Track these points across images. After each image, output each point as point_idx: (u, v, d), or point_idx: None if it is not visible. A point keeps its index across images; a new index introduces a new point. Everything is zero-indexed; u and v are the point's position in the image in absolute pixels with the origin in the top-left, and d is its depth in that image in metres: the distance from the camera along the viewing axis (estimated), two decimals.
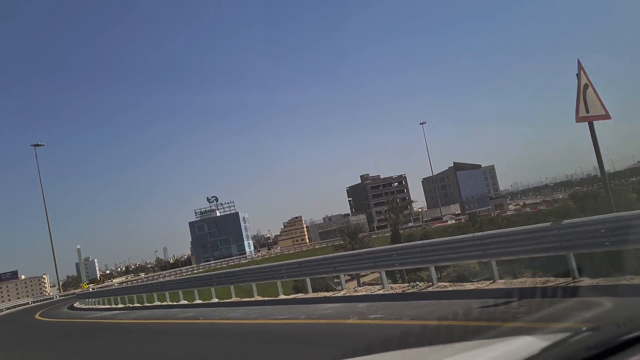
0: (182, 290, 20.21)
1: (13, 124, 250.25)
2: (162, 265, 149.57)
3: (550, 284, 7.94)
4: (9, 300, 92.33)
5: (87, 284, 65.65)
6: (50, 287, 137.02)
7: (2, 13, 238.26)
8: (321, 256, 13.22)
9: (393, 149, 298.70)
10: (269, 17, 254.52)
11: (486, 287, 8.83)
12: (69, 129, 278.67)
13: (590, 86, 8.39)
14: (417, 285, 10.45)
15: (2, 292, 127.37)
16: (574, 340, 1.71)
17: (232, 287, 17.08)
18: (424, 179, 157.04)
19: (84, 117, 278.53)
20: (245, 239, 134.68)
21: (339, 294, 12.13)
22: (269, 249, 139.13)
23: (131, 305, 24.31)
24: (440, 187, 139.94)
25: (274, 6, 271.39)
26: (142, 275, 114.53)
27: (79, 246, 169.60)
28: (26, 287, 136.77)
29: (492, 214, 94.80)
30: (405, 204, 57.79)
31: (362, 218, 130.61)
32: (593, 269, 10.87)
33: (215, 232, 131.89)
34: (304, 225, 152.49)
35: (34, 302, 60.68)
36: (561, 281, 7.92)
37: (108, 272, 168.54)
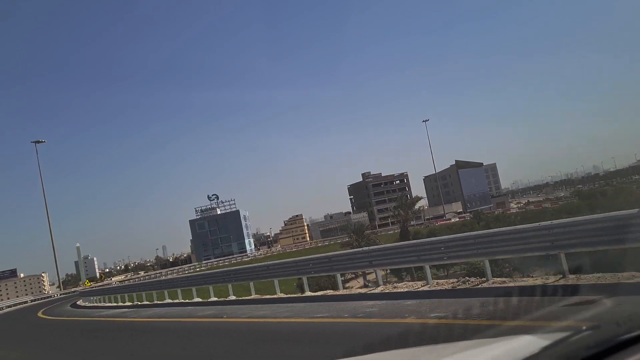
0: (195, 287, 19.27)
1: (13, 124, 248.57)
2: (162, 263, 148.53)
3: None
4: (8, 298, 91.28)
5: (89, 282, 64.50)
6: (50, 285, 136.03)
7: (2, 13, 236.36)
8: (354, 250, 12.28)
9: (394, 148, 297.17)
10: (269, 17, 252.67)
11: (555, 283, 7.91)
12: (69, 129, 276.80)
13: None
14: (469, 280, 9.53)
15: (1, 291, 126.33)
16: (574, 339, 1.70)
17: (251, 283, 16.16)
18: (425, 177, 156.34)
19: (84, 117, 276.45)
20: (246, 237, 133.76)
21: (375, 291, 11.22)
22: (269, 247, 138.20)
23: (139, 303, 23.35)
24: (442, 185, 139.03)
25: (274, 6, 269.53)
26: (142, 273, 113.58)
27: (78, 244, 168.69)
28: (25, 285, 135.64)
29: (496, 212, 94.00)
30: (415, 200, 56.79)
31: (363, 216, 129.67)
32: None
33: (216, 230, 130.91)
34: (305, 224, 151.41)
35: (32, 300, 59.36)
36: None
37: (107, 270, 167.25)
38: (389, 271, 50.72)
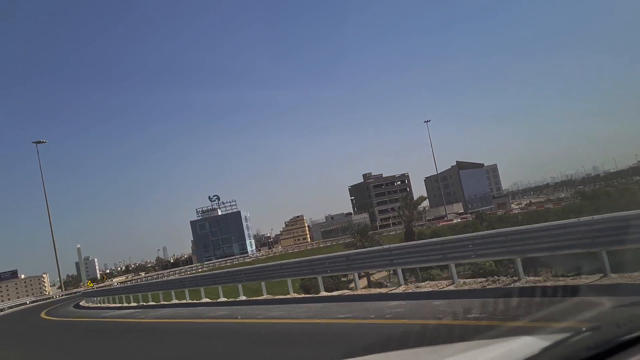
0: (203, 287, 18.85)
1: (13, 124, 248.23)
2: (163, 264, 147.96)
3: None
4: (9, 299, 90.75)
5: (92, 282, 64.02)
6: (50, 286, 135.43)
7: (2, 13, 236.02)
8: (374, 248, 11.86)
9: (394, 148, 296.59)
10: (269, 17, 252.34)
11: (598, 282, 7.49)
12: (69, 129, 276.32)
13: None
14: (499, 279, 9.11)
15: (1, 292, 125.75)
16: (574, 340, 1.69)
17: (263, 283, 15.75)
18: (426, 177, 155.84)
19: (84, 117, 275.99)
20: (247, 237, 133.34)
21: (397, 291, 10.80)
22: (270, 248, 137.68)
23: (145, 304, 22.93)
24: (443, 186, 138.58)
25: (274, 6, 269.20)
26: (143, 274, 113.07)
27: (79, 245, 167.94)
28: (26, 286, 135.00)
29: (499, 213, 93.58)
30: (419, 200, 56.36)
31: (364, 217, 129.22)
32: None
33: (217, 231, 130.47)
34: (306, 224, 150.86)
35: (31, 302, 58.62)
36: None
37: (108, 271, 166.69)
38: (391, 272, 50.42)
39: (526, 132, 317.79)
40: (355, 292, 12.09)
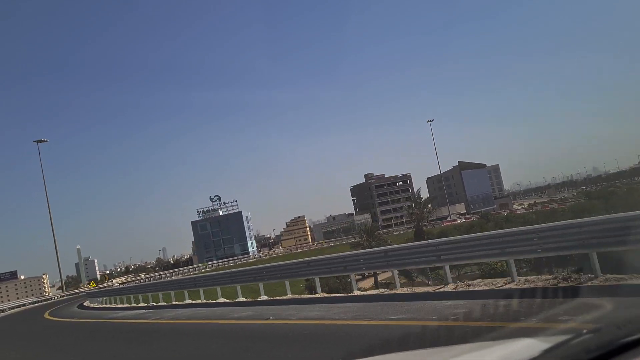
0: (220, 286, 17.91)
1: (13, 124, 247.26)
2: (163, 265, 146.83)
3: None
4: (9, 300, 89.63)
5: (95, 283, 62.94)
6: (50, 287, 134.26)
7: (2, 13, 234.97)
8: (418, 242, 10.95)
9: (394, 148, 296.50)
10: (269, 17, 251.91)
11: None
12: (69, 129, 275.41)
13: None
14: (570, 277, 8.19)
15: (1, 293, 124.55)
16: (575, 343, 1.68)
17: (287, 282, 14.83)
18: (428, 178, 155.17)
19: (84, 117, 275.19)
20: (248, 238, 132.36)
21: (445, 289, 9.87)
22: (270, 249, 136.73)
23: (155, 304, 21.98)
24: (445, 186, 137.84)
25: (274, 6, 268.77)
26: (143, 275, 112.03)
27: (79, 246, 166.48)
28: (26, 287, 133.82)
29: (504, 213, 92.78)
30: (429, 199, 55.49)
31: (366, 217, 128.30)
32: None
33: (218, 231, 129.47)
34: (307, 225, 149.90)
35: (31, 302, 57.33)
36: None
37: (108, 272, 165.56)
38: (398, 272, 49.38)
39: (526, 132, 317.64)
40: (395, 292, 11.16)
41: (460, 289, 9.57)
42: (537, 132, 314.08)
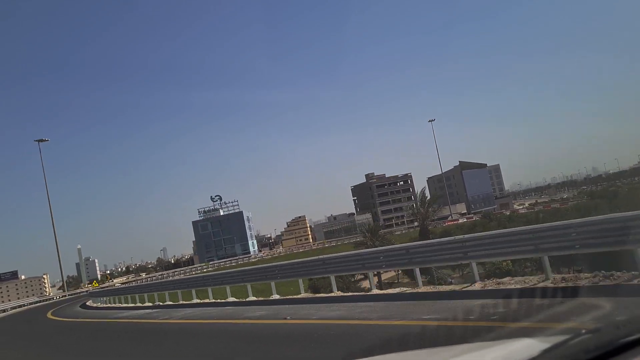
0: (229, 285, 17.47)
1: (13, 124, 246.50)
2: (164, 265, 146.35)
3: None
4: (9, 300, 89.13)
5: (97, 282, 62.47)
6: (50, 287, 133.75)
7: (2, 13, 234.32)
8: (445, 238, 10.50)
9: (394, 148, 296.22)
10: (269, 17, 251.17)
11: None
12: (69, 129, 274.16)
13: None
14: (612, 275, 7.74)
15: (2, 293, 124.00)
16: (574, 343, 1.68)
17: (300, 280, 14.39)
18: (429, 177, 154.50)
19: (84, 117, 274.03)
20: (249, 238, 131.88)
21: (473, 288, 9.43)
22: (271, 249, 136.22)
23: (161, 303, 21.53)
24: (446, 186, 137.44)
25: (274, 6, 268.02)
26: (144, 275, 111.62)
27: (79, 246, 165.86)
28: (26, 287, 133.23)
29: (506, 213, 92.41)
30: (435, 197, 55.04)
31: (367, 217, 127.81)
32: None
33: (219, 231, 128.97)
34: (308, 225, 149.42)
35: (30, 303, 56.67)
36: None
37: (108, 272, 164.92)
38: (400, 271, 48.55)
39: (526, 132, 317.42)
40: (418, 290, 10.70)
41: (489, 288, 9.14)
42: (537, 132, 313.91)
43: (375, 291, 11.90)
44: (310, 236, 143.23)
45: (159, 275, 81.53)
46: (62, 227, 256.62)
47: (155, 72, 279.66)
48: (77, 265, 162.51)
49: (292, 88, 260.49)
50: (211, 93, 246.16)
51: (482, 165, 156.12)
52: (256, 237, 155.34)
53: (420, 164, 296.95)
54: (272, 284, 15.31)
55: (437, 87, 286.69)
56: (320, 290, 23.70)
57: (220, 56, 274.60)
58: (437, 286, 10.77)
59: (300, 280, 14.44)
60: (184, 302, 19.63)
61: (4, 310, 48.32)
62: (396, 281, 46.70)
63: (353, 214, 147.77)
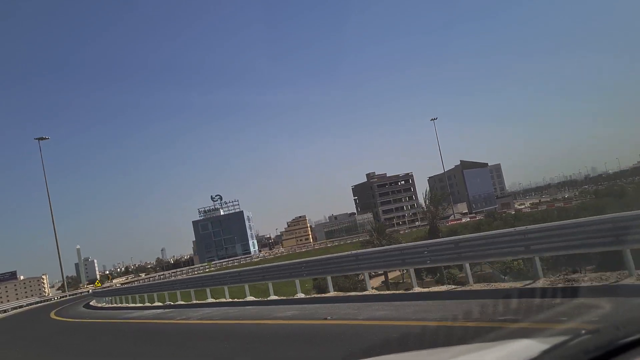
0: (248, 284, 16.53)
1: (13, 124, 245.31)
2: (164, 265, 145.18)
3: None
4: (8, 301, 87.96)
5: (99, 282, 61.37)
6: (49, 287, 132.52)
7: (2, 13, 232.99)
8: (500, 230, 9.60)
9: (394, 148, 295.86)
10: (269, 17, 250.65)
11: None
12: (69, 129, 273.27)
13: None
14: None
15: (0, 293, 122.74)
16: (573, 343, 1.67)
17: (329, 278, 13.45)
18: (430, 177, 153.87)
19: (84, 117, 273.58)
20: (250, 238, 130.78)
21: (535, 285, 8.52)
22: (271, 249, 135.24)
23: (172, 303, 20.55)
24: (448, 185, 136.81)
25: (274, 6, 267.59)
26: (143, 275, 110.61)
27: (78, 246, 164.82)
28: (25, 287, 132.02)
29: (511, 212, 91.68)
30: (443, 195, 54.20)
31: (368, 217, 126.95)
32: None
33: (220, 231, 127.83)
34: (308, 225, 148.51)
35: (29, 304, 55.37)
36: None
37: (107, 272, 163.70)
38: (405, 271, 47.38)
39: (526, 132, 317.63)
40: (465, 288, 9.80)
41: (559, 285, 8.22)
42: (537, 132, 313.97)
43: (417, 289, 10.96)
44: (310, 236, 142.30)
45: (159, 275, 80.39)
46: (62, 227, 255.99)
47: (155, 72, 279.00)
48: (76, 265, 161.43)
49: (292, 88, 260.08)
50: (211, 93, 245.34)
51: (483, 165, 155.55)
52: (256, 237, 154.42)
53: (421, 164, 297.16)
54: (297, 282, 14.38)
55: (438, 87, 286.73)
56: (326, 290, 22.77)
57: (220, 56, 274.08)
58: (491, 284, 9.81)
59: (329, 277, 13.50)
60: (199, 301, 18.66)
61: (5, 311, 47.24)
62: (401, 281, 45.63)
63: (354, 213, 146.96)
